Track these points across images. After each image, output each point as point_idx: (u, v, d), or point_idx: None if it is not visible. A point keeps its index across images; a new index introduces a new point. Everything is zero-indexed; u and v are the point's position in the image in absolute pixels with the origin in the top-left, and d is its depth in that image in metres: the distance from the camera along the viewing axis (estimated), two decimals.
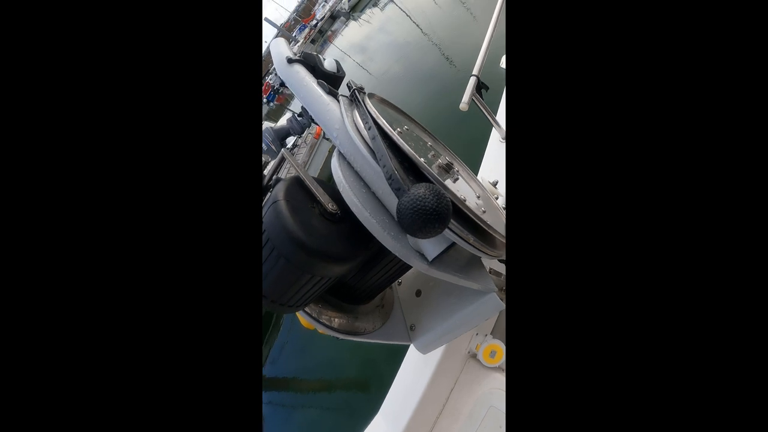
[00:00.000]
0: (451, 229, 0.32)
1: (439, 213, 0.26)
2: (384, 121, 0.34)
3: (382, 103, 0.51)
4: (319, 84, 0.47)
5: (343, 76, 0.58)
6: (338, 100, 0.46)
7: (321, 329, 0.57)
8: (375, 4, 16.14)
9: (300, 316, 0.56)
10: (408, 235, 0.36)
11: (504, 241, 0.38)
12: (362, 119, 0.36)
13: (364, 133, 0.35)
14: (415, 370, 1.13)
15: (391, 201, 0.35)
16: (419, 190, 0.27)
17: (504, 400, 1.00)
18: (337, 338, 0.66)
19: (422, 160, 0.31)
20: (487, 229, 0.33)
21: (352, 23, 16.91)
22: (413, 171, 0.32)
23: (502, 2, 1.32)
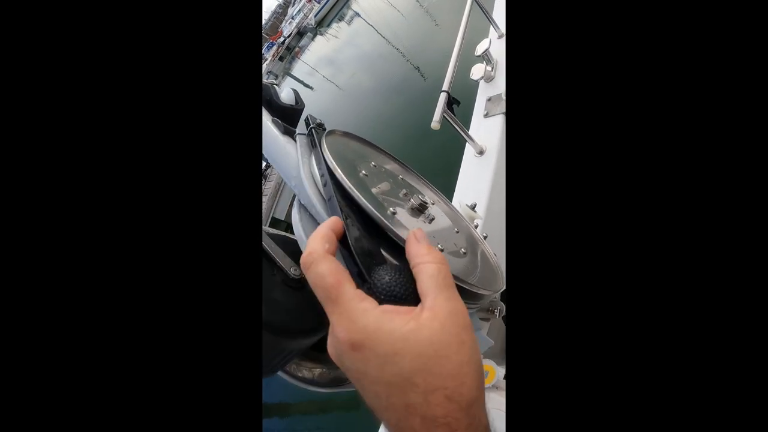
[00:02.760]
0: None
1: (406, 299, 0.23)
2: (341, 174, 0.30)
3: (346, 136, 0.47)
4: (273, 122, 0.43)
5: (302, 108, 0.53)
6: (295, 140, 0.42)
7: (300, 385, 0.52)
8: (341, 19, 16.26)
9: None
10: None
11: (486, 291, 0.35)
12: (318, 168, 0.32)
13: (321, 185, 0.31)
14: None
15: None
16: (383, 279, 0.23)
17: (500, 419, 0.97)
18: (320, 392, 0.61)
19: (388, 223, 0.28)
20: (470, 288, 0.30)
21: (319, 38, 16.95)
22: (379, 231, 0.28)
23: (468, 16, 1.32)
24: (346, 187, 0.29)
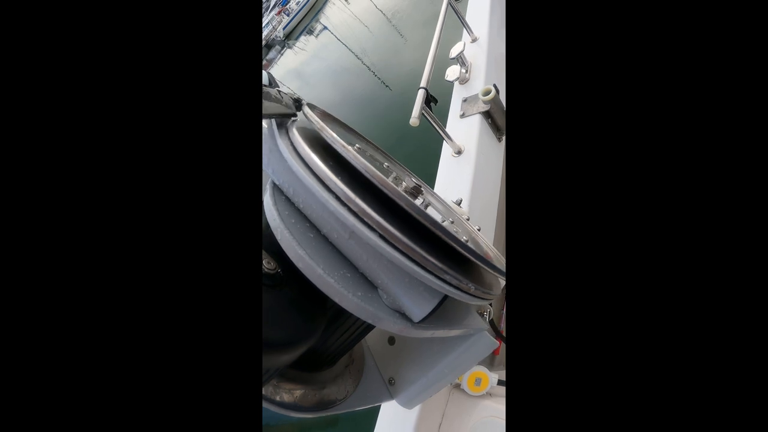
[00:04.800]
0: (447, 281, 0.23)
1: None
2: (333, 133, 0.24)
3: (325, 118, 0.41)
4: None
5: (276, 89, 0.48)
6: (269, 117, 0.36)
7: (280, 411, 0.45)
8: (310, 32, 16.29)
9: None
10: (381, 291, 0.26)
11: (499, 277, 0.30)
12: (301, 135, 0.26)
13: (306, 151, 0.25)
14: (398, 412, 1.02)
15: (352, 247, 0.25)
16: None
17: (494, 426, 0.93)
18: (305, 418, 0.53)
19: (399, 188, 0.22)
20: (491, 270, 0.25)
21: (287, 51, 16.87)
22: (385, 204, 0.22)
23: (444, 17, 1.32)
24: (338, 147, 0.23)
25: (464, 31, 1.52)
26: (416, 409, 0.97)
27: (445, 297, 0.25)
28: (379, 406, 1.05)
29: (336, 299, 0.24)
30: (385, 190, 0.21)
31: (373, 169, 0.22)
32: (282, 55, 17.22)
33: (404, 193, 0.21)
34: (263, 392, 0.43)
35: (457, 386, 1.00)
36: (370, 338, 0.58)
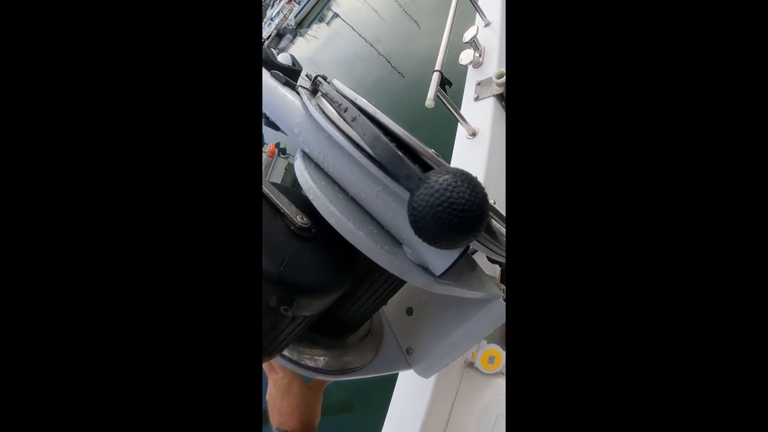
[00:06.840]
0: None
1: (478, 209, 0.18)
2: (364, 100, 0.26)
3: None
4: (273, 75, 0.39)
5: (300, 70, 0.50)
6: (297, 92, 0.38)
7: (305, 373, 0.48)
8: (321, 20, 16.17)
9: (277, 362, 0.46)
10: (406, 247, 0.28)
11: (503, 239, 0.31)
12: (332, 104, 0.28)
13: (336, 117, 0.26)
14: (411, 391, 1.05)
15: (379, 205, 0.27)
16: (443, 176, 0.18)
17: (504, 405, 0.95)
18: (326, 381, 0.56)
19: (421, 144, 0.24)
20: (502, 225, 0.26)
21: (299, 39, 16.80)
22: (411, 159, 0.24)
23: (457, 1, 1.31)
24: (369, 109, 0.24)
25: (477, 15, 1.50)
26: (429, 389, 1.00)
27: (465, 251, 0.26)
28: (393, 389, 1.08)
29: (365, 251, 0.26)
30: (414, 145, 0.23)
31: (403, 130, 0.24)
32: (293, 43, 17.13)
33: (422, 145, 0.23)
34: (291, 356, 0.46)
35: (471, 365, 1.02)
36: (389, 310, 0.61)
